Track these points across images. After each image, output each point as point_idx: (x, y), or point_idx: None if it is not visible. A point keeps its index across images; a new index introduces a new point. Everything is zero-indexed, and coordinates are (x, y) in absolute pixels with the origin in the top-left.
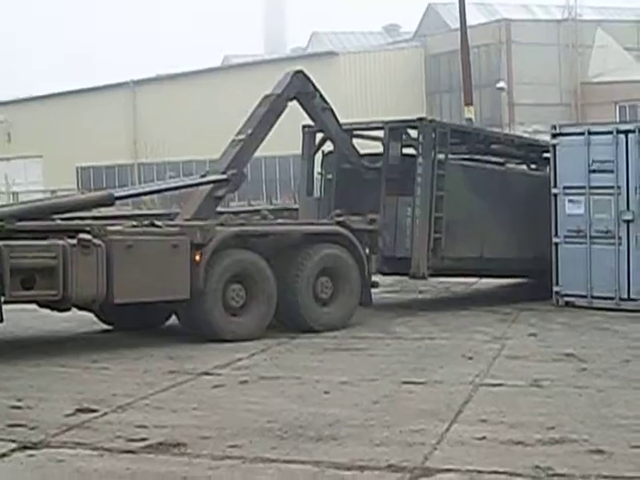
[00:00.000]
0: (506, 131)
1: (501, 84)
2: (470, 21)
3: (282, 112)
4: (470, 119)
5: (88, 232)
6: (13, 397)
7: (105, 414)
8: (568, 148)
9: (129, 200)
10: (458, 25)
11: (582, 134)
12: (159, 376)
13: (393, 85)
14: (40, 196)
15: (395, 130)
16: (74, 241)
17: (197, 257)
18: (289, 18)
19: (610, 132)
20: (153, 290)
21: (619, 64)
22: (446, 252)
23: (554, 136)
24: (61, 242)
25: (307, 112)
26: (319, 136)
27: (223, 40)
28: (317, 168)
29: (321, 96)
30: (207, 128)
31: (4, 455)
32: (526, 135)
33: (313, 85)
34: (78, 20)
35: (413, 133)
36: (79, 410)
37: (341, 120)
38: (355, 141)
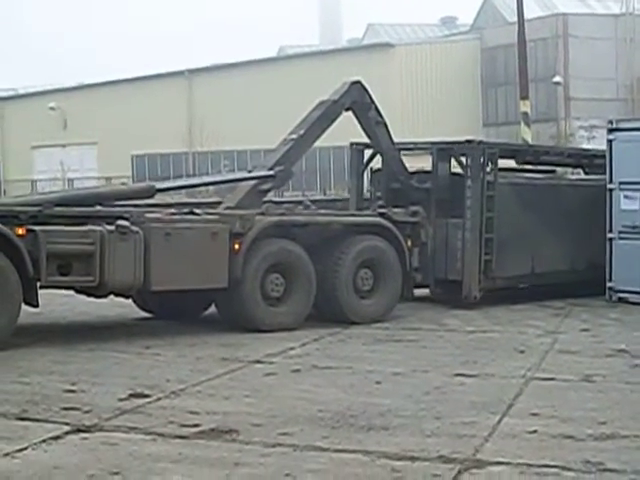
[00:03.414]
0: (562, 125)
1: (557, 78)
2: (527, 14)
3: (336, 119)
4: (526, 118)
5: (126, 219)
6: (67, 381)
7: (158, 399)
8: (625, 143)
9: (183, 190)
10: (515, 18)
11: (639, 129)
12: (211, 363)
13: (449, 77)
14: (95, 183)
15: (443, 151)
16: (112, 227)
17: (236, 246)
18: (345, 9)
19: None
20: (191, 278)
21: None
22: (497, 272)
23: (610, 131)
24: (99, 228)
25: (360, 124)
26: (367, 153)
27: (279, 30)
28: (366, 185)
29: (376, 109)
30: (262, 118)
31: (58, 437)
32: (583, 129)
33: (370, 97)
34: (137, 8)
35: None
36: (132, 395)
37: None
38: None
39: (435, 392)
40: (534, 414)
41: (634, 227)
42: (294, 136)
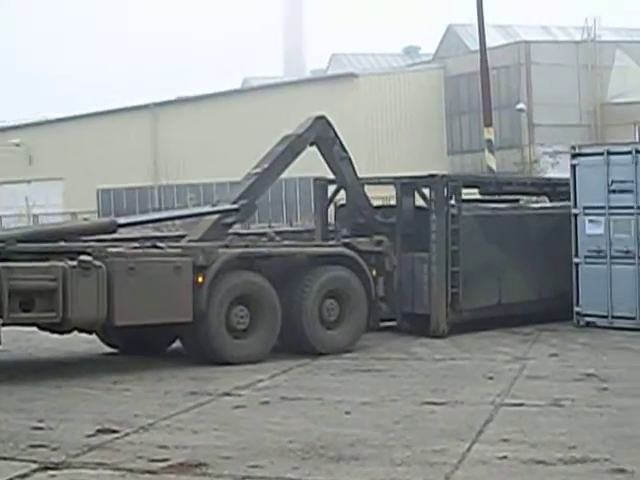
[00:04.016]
0: (526, 152)
1: (521, 105)
2: (489, 43)
3: (300, 153)
4: (490, 146)
5: (89, 254)
6: (34, 418)
7: (127, 435)
8: (588, 168)
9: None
10: (477, 47)
11: (601, 154)
12: (180, 397)
13: (413, 106)
14: (60, 218)
15: (407, 186)
16: (74, 263)
17: (200, 279)
18: (308, 40)
19: (629, 152)
20: (155, 313)
21: (638, 85)
22: (464, 305)
23: (574, 156)
24: (61, 264)
25: (325, 159)
26: (331, 189)
27: (243, 62)
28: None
29: (341, 144)
30: (227, 150)
31: (26, 475)
32: (547, 155)
33: (334, 132)
34: (96, 42)
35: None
36: (100, 431)
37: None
38: None
39: (405, 421)
40: (504, 440)
41: (599, 251)
42: (258, 170)
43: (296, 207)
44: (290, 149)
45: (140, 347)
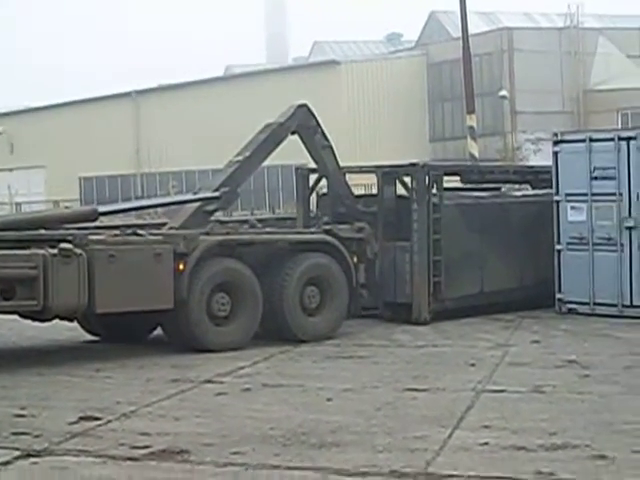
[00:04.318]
0: (508, 139)
1: (503, 92)
2: (472, 29)
3: (281, 141)
4: (473, 133)
5: (69, 242)
6: (17, 406)
7: (108, 422)
8: (570, 155)
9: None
10: (460, 33)
11: (583, 141)
12: (162, 384)
13: (395, 93)
14: (42, 206)
15: (388, 175)
16: (55, 251)
17: (181, 266)
18: (291, 27)
19: (611, 139)
20: (136, 300)
21: (621, 71)
22: (446, 294)
23: (555, 143)
24: (42, 252)
25: (306, 147)
26: (312, 178)
27: (225, 50)
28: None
29: (322, 132)
30: (210, 138)
31: (8, 463)
32: (529, 142)
33: (316, 120)
34: (79, 30)
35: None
36: (82, 418)
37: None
38: None
39: (386, 407)
40: (485, 426)
41: (581, 238)
42: (240, 158)
43: (278, 195)
44: (272, 137)
45: (121, 335)
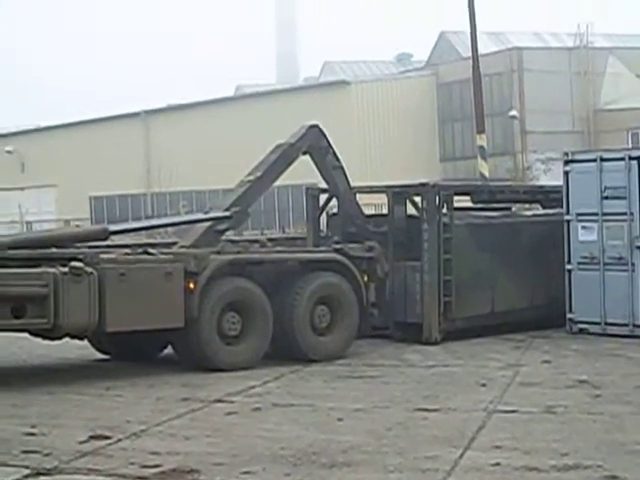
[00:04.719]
0: (518, 159)
1: (513, 112)
2: (482, 50)
3: (293, 162)
4: (483, 153)
5: (80, 260)
6: (27, 424)
7: (119, 441)
8: (580, 175)
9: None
10: (470, 53)
11: (594, 161)
12: (172, 403)
13: (405, 114)
14: (53, 225)
15: (398, 194)
16: (66, 269)
17: (191, 285)
18: (301, 47)
19: (622, 158)
20: (146, 319)
21: (631, 91)
22: (457, 314)
23: (566, 163)
24: (52, 270)
25: (318, 167)
26: (322, 198)
27: (235, 70)
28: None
29: (334, 153)
30: (220, 158)
31: None
32: (539, 162)
33: (327, 141)
34: (89, 51)
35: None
36: (93, 437)
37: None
38: None
39: (397, 427)
40: (497, 447)
41: (592, 258)
42: (251, 178)
43: (288, 214)
44: (283, 158)
45: (132, 353)
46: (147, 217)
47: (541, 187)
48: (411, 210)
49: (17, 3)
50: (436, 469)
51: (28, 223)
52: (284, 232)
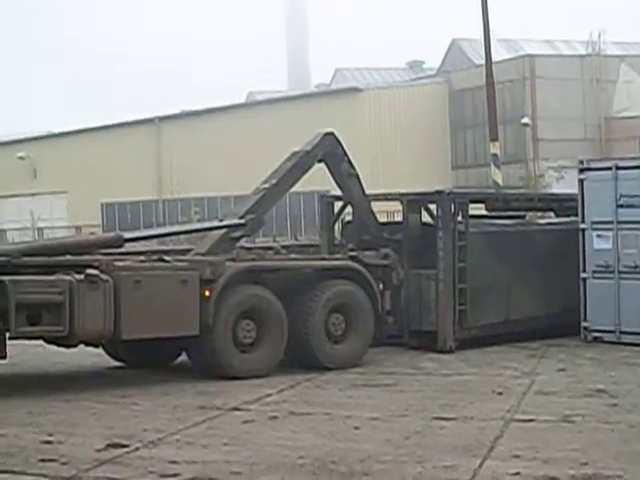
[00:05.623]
0: (531, 166)
1: (525, 120)
2: (494, 57)
3: (308, 169)
4: (496, 160)
5: (96, 267)
6: (44, 432)
7: (136, 449)
8: (596, 183)
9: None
10: (482, 61)
11: (610, 169)
12: (189, 411)
13: (417, 121)
14: (64, 232)
15: (413, 202)
16: (81, 276)
17: (207, 292)
18: (312, 54)
19: (638, 167)
20: (161, 326)
21: None
22: (472, 322)
23: (582, 171)
24: (68, 277)
25: (333, 175)
26: (336, 205)
27: (247, 76)
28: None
29: (349, 161)
30: (231, 164)
31: None
32: (552, 170)
33: (342, 148)
34: (105, 56)
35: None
36: (110, 445)
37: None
38: None
39: (415, 436)
40: (516, 456)
41: (607, 266)
42: (266, 185)
43: (300, 222)
44: (299, 165)
45: (146, 361)
46: (159, 224)
47: (556, 195)
48: (426, 218)
49: (37, 8)
50: (456, 479)
51: (39, 229)
52: (296, 239)
